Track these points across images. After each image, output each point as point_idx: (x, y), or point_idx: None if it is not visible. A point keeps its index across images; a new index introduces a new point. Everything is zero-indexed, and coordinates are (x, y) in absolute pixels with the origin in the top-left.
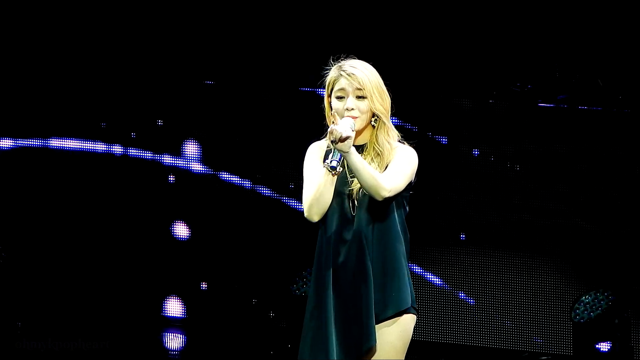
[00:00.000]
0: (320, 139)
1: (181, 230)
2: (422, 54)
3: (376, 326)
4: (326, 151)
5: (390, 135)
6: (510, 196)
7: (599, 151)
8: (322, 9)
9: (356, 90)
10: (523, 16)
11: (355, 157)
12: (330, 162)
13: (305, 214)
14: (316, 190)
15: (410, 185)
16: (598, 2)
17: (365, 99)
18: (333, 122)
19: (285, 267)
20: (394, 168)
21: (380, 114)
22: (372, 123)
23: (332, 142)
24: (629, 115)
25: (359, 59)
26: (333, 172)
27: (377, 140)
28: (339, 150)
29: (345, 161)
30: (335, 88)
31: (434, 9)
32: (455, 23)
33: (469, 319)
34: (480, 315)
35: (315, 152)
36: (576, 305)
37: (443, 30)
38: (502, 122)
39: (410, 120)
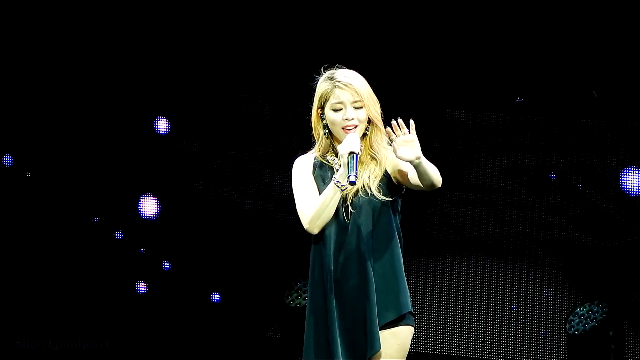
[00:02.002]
0: (304, 153)
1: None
2: (416, 64)
3: None
4: (314, 164)
5: (382, 140)
6: (506, 208)
7: (594, 163)
8: (317, 17)
9: (354, 101)
10: (518, 27)
11: (424, 160)
12: (349, 177)
13: (307, 227)
14: (322, 205)
15: (403, 190)
16: (593, 13)
17: (362, 108)
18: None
19: (278, 277)
20: None
21: (376, 121)
22: (365, 130)
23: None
24: (624, 126)
25: (350, 69)
26: (346, 188)
27: (371, 145)
28: (414, 161)
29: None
30: (332, 101)
31: (428, 19)
32: (451, 33)
33: (462, 331)
34: (474, 327)
35: (304, 165)
36: (571, 317)
37: (438, 40)
38: (497, 133)
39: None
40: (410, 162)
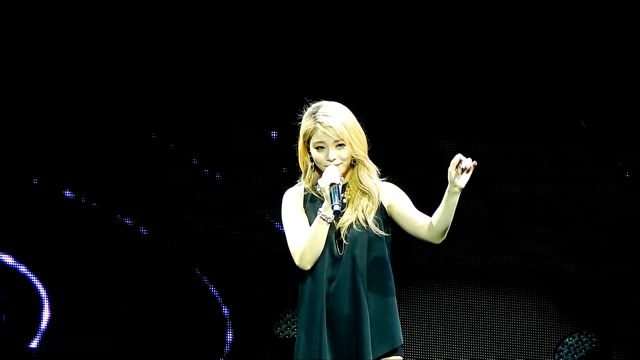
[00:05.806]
0: (292, 186)
1: None
2: (405, 95)
3: None
4: (305, 196)
5: (371, 171)
6: (494, 238)
7: (582, 193)
8: (306, 49)
9: (335, 141)
10: (506, 57)
11: (457, 199)
12: (333, 206)
13: (298, 263)
14: (310, 240)
15: (392, 223)
16: (580, 42)
17: (345, 146)
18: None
19: (267, 308)
20: (415, 210)
21: (362, 158)
22: (351, 162)
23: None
24: (612, 156)
25: (337, 101)
26: (332, 219)
27: (360, 180)
28: (457, 188)
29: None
30: (314, 140)
31: (417, 50)
32: (439, 64)
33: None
34: (462, 357)
35: (293, 198)
36: (560, 347)
37: (426, 71)
38: (486, 163)
39: (393, 162)
40: (455, 186)
